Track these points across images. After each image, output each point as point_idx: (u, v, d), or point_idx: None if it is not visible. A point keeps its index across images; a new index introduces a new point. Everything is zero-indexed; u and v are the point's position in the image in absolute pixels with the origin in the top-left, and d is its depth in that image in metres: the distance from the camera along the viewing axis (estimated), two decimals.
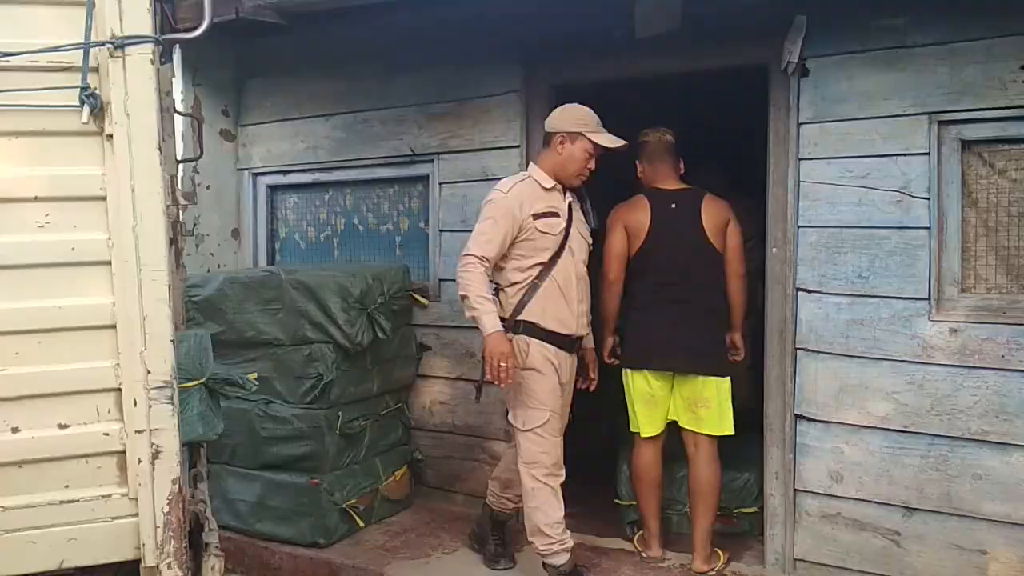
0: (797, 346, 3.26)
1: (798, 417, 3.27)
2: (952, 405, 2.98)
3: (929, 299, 3.01)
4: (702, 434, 3.33)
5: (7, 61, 1.94)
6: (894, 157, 3.05)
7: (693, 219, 3.33)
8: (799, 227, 3.24)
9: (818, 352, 3.21)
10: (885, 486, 3.11)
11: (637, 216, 3.36)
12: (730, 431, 3.33)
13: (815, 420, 3.23)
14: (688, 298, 3.30)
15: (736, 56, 3.42)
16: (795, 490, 3.29)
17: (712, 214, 3.34)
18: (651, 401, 3.37)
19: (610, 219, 3.42)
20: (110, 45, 1.96)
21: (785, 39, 3.19)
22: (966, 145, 2.98)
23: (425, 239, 4.27)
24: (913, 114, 3.01)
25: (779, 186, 3.33)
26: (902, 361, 3.05)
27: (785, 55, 3.20)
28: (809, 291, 3.22)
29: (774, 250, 3.34)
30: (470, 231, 3.95)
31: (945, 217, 3.00)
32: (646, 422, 3.39)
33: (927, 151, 2.99)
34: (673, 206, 3.36)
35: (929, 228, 3.00)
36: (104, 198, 2.00)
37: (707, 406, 3.30)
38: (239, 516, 3.75)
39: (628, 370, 3.42)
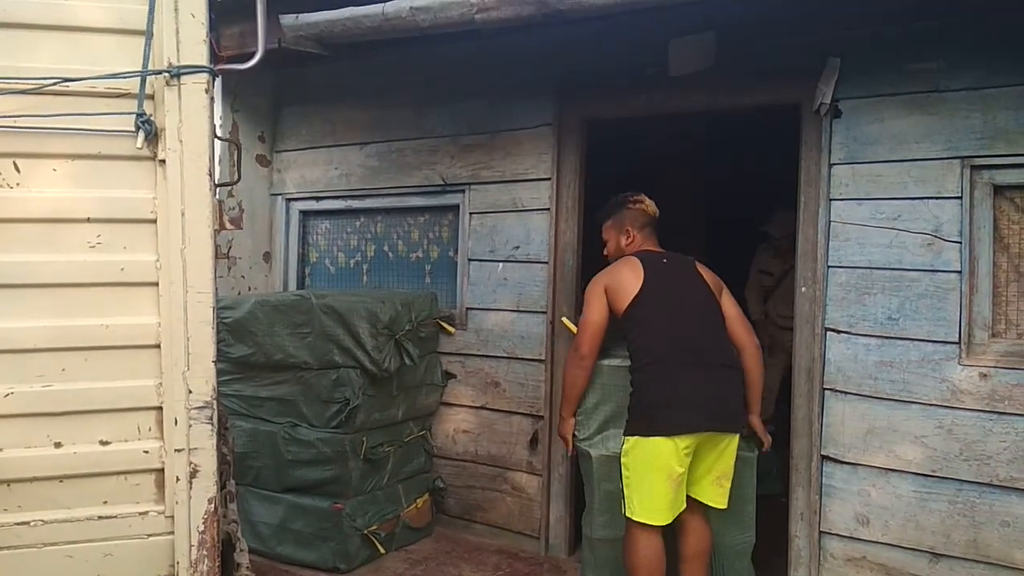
0: (825, 386, 3.25)
1: (825, 458, 3.25)
2: (981, 451, 2.96)
3: (959, 343, 3.00)
4: (703, 503, 2.99)
5: (67, 86, 2.01)
6: (925, 200, 3.06)
7: (689, 271, 3.11)
8: (829, 267, 3.25)
9: (846, 393, 3.20)
10: (912, 531, 3.08)
11: (621, 273, 3.05)
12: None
13: (842, 462, 3.21)
14: (703, 349, 2.95)
15: (768, 95, 3.45)
16: (820, 532, 3.26)
17: (708, 274, 3.14)
18: (676, 477, 2.83)
19: (589, 288, 3.11)
20: (167, 74, 2.03)
21: (818, 80, 3.23)
22: (998, 190, 2.99)
23: (454, 268, 4.31)
24: (945, 158, 3.03)
25: (809, 225, 3.34)
26: (931, 405, 3.03)
27: (818, 96, 3.23)
28: (838, 331, 3.22)
29: (803, 289, 3.35)
30: (499, 261, 4.04)
31: (976, 261, 3.00)
32: (665, 506, 2.85)
33: (959, 195, 3.00)
34: (664, 261, 3.11)
35: (960, 272, 3.00)
36: (154, 221, 2.06)
37: (729, 477, 3.00)
38: (261, 538, 3.76)
39: (647, 439, 2.83)
